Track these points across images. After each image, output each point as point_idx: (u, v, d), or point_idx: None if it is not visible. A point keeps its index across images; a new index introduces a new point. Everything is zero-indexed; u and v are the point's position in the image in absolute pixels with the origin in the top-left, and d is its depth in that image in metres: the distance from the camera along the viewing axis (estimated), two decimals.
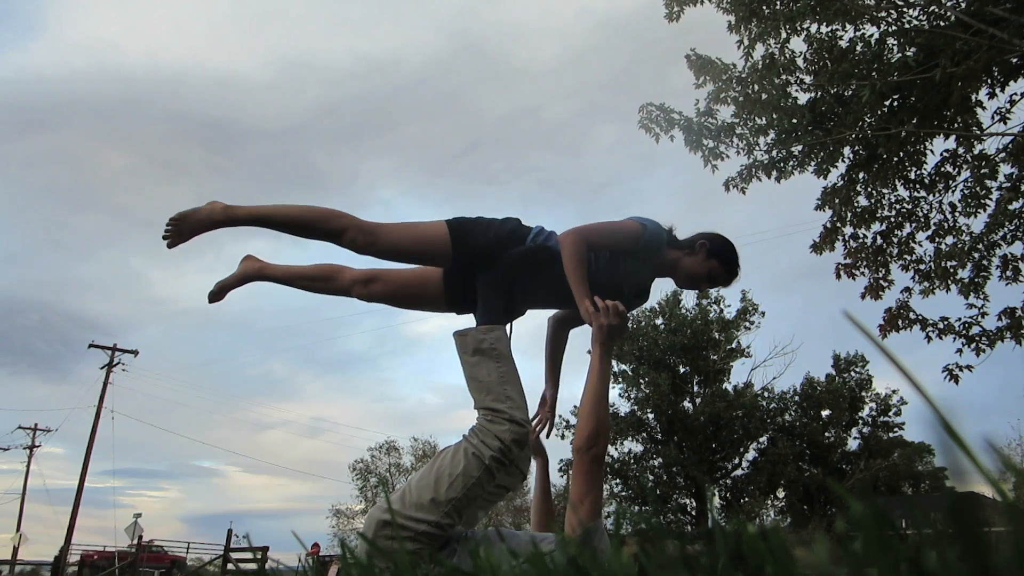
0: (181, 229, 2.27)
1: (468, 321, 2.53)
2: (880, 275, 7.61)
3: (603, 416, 2.05)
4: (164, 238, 2.28)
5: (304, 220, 2.21)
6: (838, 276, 7.74)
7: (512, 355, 2.20)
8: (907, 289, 7.52)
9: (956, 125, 6.91)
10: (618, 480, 22.92)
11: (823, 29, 6.83)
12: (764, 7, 6.79)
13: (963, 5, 6.30)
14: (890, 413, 24.26)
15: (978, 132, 6.91)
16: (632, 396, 23.51)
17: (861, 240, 7.65)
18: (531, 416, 2.35)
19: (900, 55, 6.57)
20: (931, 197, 7.42)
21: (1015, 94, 6.82)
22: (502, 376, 2.09)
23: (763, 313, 23.72)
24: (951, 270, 7.19)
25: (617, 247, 2.27)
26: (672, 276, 2.40)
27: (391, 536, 1.87)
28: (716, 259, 2.34)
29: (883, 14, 6.61)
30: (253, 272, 2.47)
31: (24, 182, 67.54)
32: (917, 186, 7.42)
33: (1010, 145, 6.74)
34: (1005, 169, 6.88)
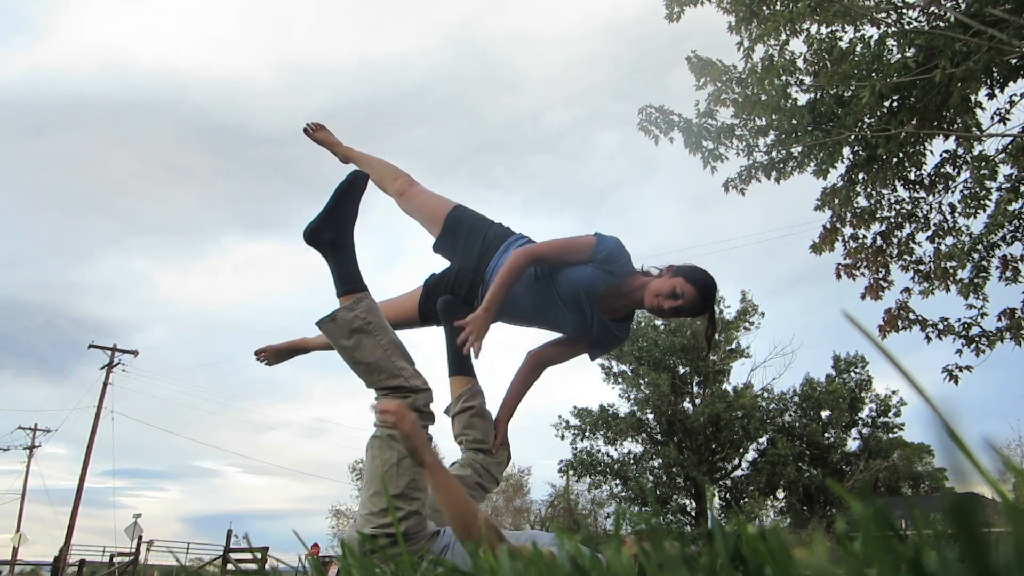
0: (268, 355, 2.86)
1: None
2: (880, 275, 7.61)
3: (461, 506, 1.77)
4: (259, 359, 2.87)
5: (380, 165, 2.82)
6: (838, 276, 7.74)
7: (384, 318, 2.06)
8: (907, 290, 7.52)
9: (956, 126, 6.91)
10: (618, 481, 22.92)
11: (823, 30, 6.83)
12: (764, 8, 6.80)
13: (963, 6, 6.30)
14: (890, 414, 24.26)
15: (978, 133, 6.91)
16: (632, 396, 23.52)
17: (861, 241, 7.65)
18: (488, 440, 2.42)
19: (900, 56, 6.58)
20: (931, 198, 7.42)
21: (1015, 95, 6.82)
22: (386, 349, 2.00)
23: (763, 314, 23.77)
24: (951, 271, 7.19)
25: (571, 260, 2.31)
26: (641, 301, 2.32)
27: (378, 547, 1.84)
28: (682, 276, 2.25)
29: (883, 15, 6.62)
30: (297, 344, 2.87)
31: (31, 184, 67.51)
32: (917, 187, 7.43)
33: (1010, 146, 6.74)
34: (1005, 170, 6.88)
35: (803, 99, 6.95)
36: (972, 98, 6.71)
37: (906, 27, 6.62)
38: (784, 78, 6.89)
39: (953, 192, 7.32)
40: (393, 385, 1.99)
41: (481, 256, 2.48)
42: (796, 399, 23.76)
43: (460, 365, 2.53)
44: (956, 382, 6.92)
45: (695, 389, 23.67)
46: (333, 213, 2.12)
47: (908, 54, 6.43)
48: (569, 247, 2.30)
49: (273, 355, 2.83)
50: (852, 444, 24.51)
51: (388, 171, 2.79)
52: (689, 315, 2.30)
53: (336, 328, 2.00)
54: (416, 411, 1.97)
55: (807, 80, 6.97)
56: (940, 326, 7.19)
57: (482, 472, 2.38)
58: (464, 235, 2.56)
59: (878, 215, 7.53)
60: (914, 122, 6.67)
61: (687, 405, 23.31)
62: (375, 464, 1.96)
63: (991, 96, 6.71)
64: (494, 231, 2.55)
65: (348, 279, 2.06)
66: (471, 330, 2.09)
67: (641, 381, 23.03)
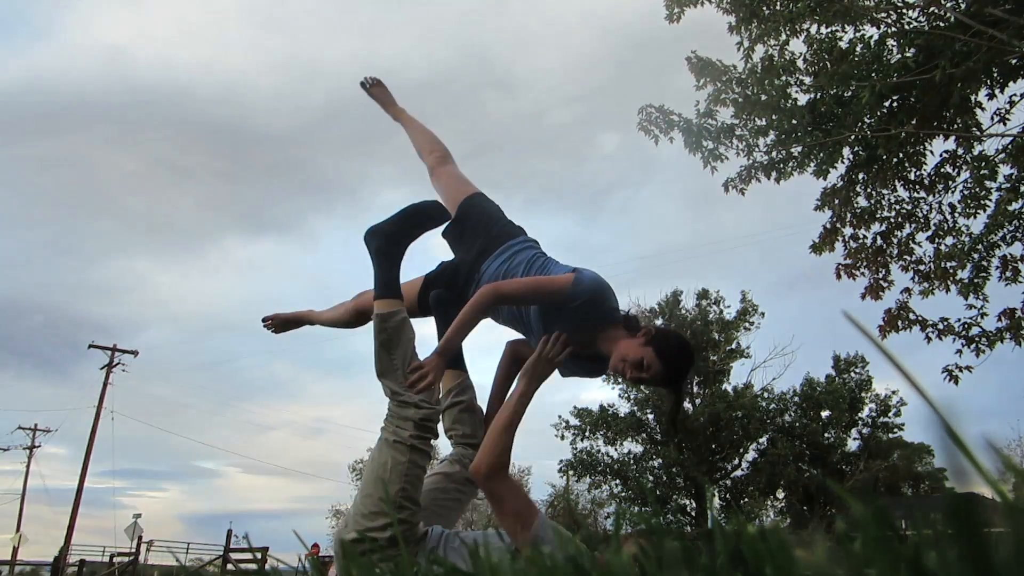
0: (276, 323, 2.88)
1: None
2: (880, 276, 7.61)
3: (508, 443, 1.99)
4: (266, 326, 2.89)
5: (424, 135, 2.84)
6: (838, 276, 7.74)
7: (411, 330, 2.21)
8: (907, 290, 7.52)
9: (956, 126, 6.91)
10: (618, 481, 22.92)
11: (823, 30, 6.83)
12: (764, 8, 6.80)
13: (962, 6, 6.30)
14: (890, 414, 24.23)
15: (978, 133, 6.91)
16: (632, 396, 23.52)
17: (861, 241, 7.65)
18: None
19: (900, 56, 6.58)
20: (931, 198, 7.42)
21: (1014, 95, 6.82)
22: (396, 369, 2.14)
23: (763, 314, 23.74)
24: (951, 271, 7.19)
25: (542, 303, 2.16)
26: (607, 357, 2.17)
27: (365, 551, 1.87)
28: (654, 348, 2.07)
29: (883, 15, 6.62)
30: (304, 315, 2.87)
31: (32, 185, 67.55)
32: (917, 187, 7.43)
33: (1009, 146, 6.74)
34: (1005, 170, 6.88)
35: (803, 99, 6.95)
36: (972, 98, 6.70)
37: (906, 27, 6.62)
38: (784, 78, 6.89)
39: (953, 192, 7.32)
40: (399, 399, 2.10)
41: (479, 254, 2.40)
42: (796, 399, 23.74)
43: (451, 359, 2.52)
44: (956, 382, 6.92)
45: (695, 389, 23.66)
46: (395, 227, 2.30)
47: (908, 54, 6.43)
48: (543, 289, 2.13)
49: (280, 323, 2.87)
50: (852, 444, 24.49)
51: (427, 144, 2.81)
52: (655, 386, 2.20)
53: (379, 329, 2.18)
54: (411, 421, 2.05)
55: (807, 80, 6.97)
56: (940, 326, 7.18)
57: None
58: (470, 227, 2.49)
59: (878, 215, 7.53)
60: (914, 122, 6.67)
61: (687, 405, 23.30)
62: (373, 465, 2.04)
63: (991, 96, 6.71)
64: (498, 229, 2.45)
65: (385, 285, 2.24)
66: (426, 372, 2.08)
67: None
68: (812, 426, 23.05)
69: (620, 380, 23.43)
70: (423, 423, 2.07)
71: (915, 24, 6.65)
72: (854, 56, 6.60)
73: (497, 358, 2.59)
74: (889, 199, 7.52)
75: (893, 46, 6.72)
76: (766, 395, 23.57)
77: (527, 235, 2.51)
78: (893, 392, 24.12)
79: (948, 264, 7.17)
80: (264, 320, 2.86)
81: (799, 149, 7.02)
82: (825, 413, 23.53)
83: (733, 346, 23.56)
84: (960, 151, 7.18)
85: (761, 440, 23.13)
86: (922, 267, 7.45)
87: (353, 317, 2.64)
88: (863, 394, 24.18)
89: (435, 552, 1.95)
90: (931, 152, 7.23)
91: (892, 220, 7.53)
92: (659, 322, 23.23)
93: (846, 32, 6.82)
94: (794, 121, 6.81)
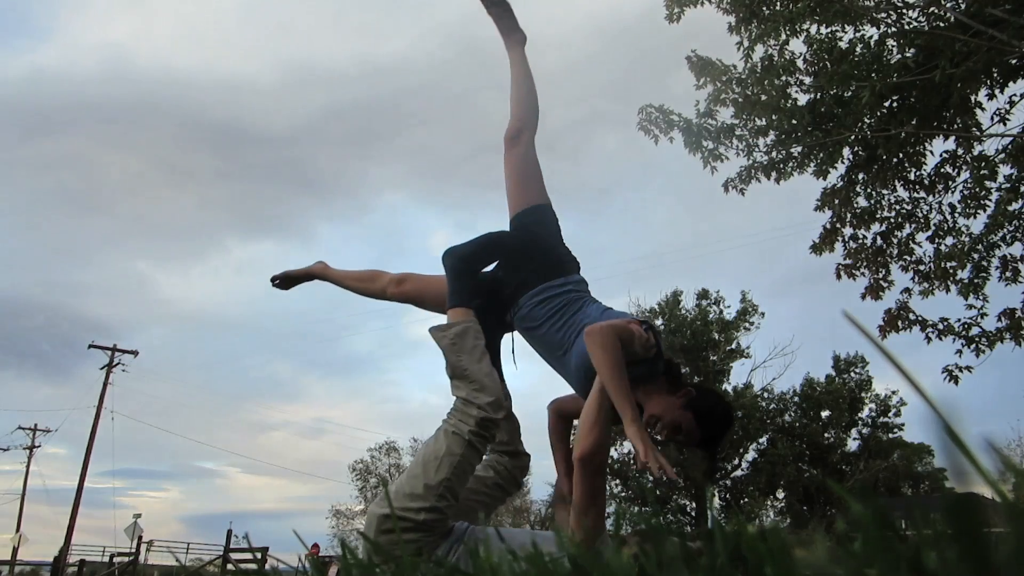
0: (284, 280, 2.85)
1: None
2: (880, 276, 7.61)
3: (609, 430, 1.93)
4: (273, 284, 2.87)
5: (520, 94, 2.66)
6: (838, 277, 7.74)
7: (480, 336, 2.24)
8: (907, 290, 7.53)
9: (956, 126, 6.91)
10: (618, 481, 22.93)
11: (823, 30, 6.83)
12: (764, 8, 6.80)
13: (962, 6, 6.31)
14: (890, 414, 24.27)
15: (977, 133, 6.91)
16: None
17: (861, 241, 7.65)
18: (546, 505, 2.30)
19: (900, 56, 6.59)
20: (931, 198, 7.42)
21: (1014, 95, 6.82)
22: (454, 370, 2.19)
23: (763, 314, 23.77)
24: (951, 271, 7.19)
25: (633, 355, 1.96)
26: (644, 404, 2.05)
27: (393, 530, 1.91)
28: (693, 412, 2.00)
29: (883, 15, 6.62)
30: (318, 271, 2.79)
31: (32, 185, 67.56)
32: (917, 187, 7.43)
33: (1009, 146, 6.75)
34: (1004, 170, 6.88)
35: (803, 99, 6.95)
36: (972, 98, 6.71)
37: (906, 27, 6.62)
38: (784, 78, 6.89)
39: (953, 192, 7.32)
40: (465, 400, 2.15)
41: (520, 284, 2.29)
42: (796, 399, 23.77)
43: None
44: (956, 382, 6.92)
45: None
46: (471, 253, 2.34)
47: (908, 54, 6.44)
48: (636, 342, 1.93)
49: (288, 280, 2.84)
50: (852, 444, 24.53)
51: (514, 103, 2.63)
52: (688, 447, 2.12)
53: (439, 337, 2.23)
54: (474, 418, 2.08)
55: (807, 80, 6.97)
56: (940, 326, 7.18)
57: (504, 475, 2.36)
58: (519, 248, 2.37)
59: (878, 215, 7.53)
60: (914, 122, 6.67)
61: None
62: (425, 451, 2.10)
63: (991, 96, 6.71)
64: (542, 261, 2.31)
65: (456, 295, 2.30)
66: (649, 460, 1.77)
67: None
68: (812, 426, 23.07)
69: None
70: (485, 422, 2.10)
71: (915, 24, 6.65)
72: (854, 56, 6.60)
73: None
74: (889, 199, 7.52)
75: (893, 46, 6.72)
76: (766, 395, 23.60)
77: (574, 273, 2.34)
78: (893, 392, 24.17)
79: (948, 264, 7.18)
80: (272, 279, 2.85)
81: (799, 149, 7.03)
82: (825, 413, 23.56)
83: (733, 346, 23.57)
84: (960, 151, 7.19)
85: (761, 440, 23.15)
86: (922, 267, 7.45)
87: (387, 295, 2.59)
88: (863, 394, 24.21)
89: (455, 547, 1.99)
90: (931, 152, 7.24)
91: (892, 220, 7.54)
92: (659, 322, 23.22)
93: (846, 32, 6.82)
94: (794, 121, 6.81)
